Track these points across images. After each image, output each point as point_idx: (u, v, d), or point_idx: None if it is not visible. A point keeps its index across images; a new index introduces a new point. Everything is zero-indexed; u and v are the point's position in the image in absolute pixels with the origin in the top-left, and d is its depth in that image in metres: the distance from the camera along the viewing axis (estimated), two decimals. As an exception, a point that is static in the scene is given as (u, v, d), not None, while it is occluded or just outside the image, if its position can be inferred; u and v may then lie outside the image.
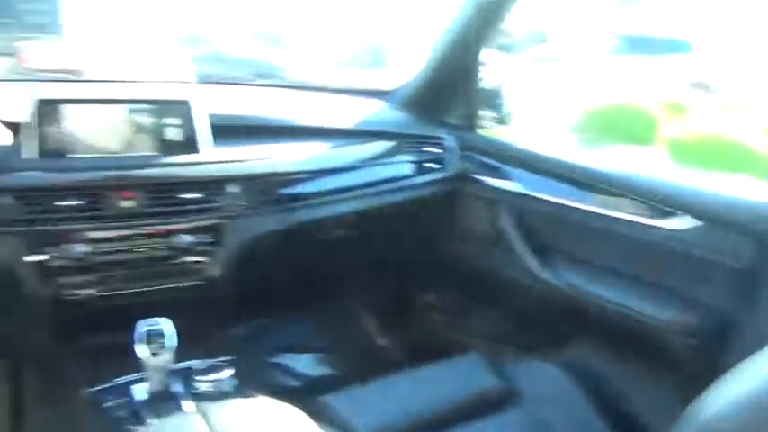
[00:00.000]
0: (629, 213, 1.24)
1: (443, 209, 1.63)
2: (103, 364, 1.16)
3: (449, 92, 1.62)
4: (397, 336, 2.01)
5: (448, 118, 1.65)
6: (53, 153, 1.12)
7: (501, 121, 1.65)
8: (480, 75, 1.57)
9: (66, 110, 1.14)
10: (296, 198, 1.35)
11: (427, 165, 1.55)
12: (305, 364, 1.93)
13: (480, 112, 1.62)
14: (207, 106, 1.27)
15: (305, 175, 1.36)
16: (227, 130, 1.29)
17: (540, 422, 1.11)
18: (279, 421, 0.90)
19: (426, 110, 1.65)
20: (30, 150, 1.11)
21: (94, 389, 1.07)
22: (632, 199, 1.23)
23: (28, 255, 1.10)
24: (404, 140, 1.53)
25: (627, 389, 1.28)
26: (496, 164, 1.54)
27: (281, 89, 1.82)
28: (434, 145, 1.56)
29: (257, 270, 1.44)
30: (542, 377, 1.23)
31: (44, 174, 1.11)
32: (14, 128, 1.13)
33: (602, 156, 1.47)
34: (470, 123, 1.63)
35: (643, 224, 1.21)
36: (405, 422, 1.07)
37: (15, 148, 1.11)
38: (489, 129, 1.66)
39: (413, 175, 1.52)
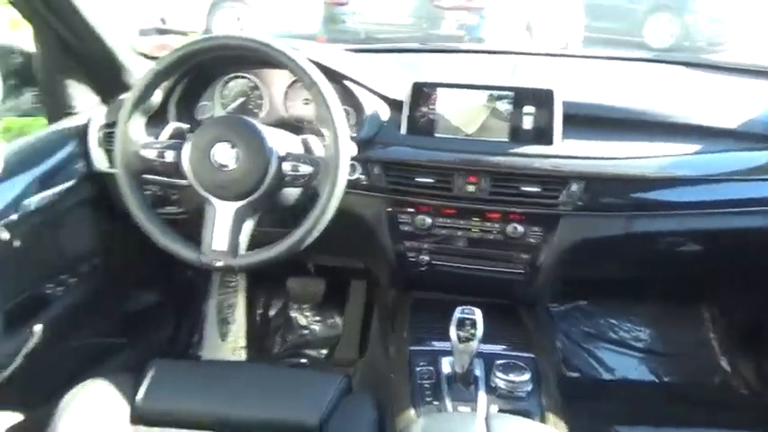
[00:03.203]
0: None
1: None
2: (420, 320, 1.31)
3: None
4: (743, 367, 1.71)
5: None
6: (418, 131, 1.23)
7: None
8: None
9: (435, 91, 1.23)
10: (645, 206, 1.21)
11: None
12: (621, 360, 1.83)
13: None
14: (566, 92, 1.20)
15: (661, 182, 1.19)
16: (580, 120, 1.21)
17: None
18: None
19: None
20: (401, 127, 1.24)
21: (414, 348, 1.21)
22: None
23: (387, 216, 1.27)
24: None
25: None
26: None
27: (656, 64, 1.59)
28: None
29: (583, 267, 1.37)
30: None
31: (408, 150, 1.23)
32: (392, 104, 1.27)
33: None
34: None
35: None
36: None
37: (390, 123, 1.25)
38: None
39: None
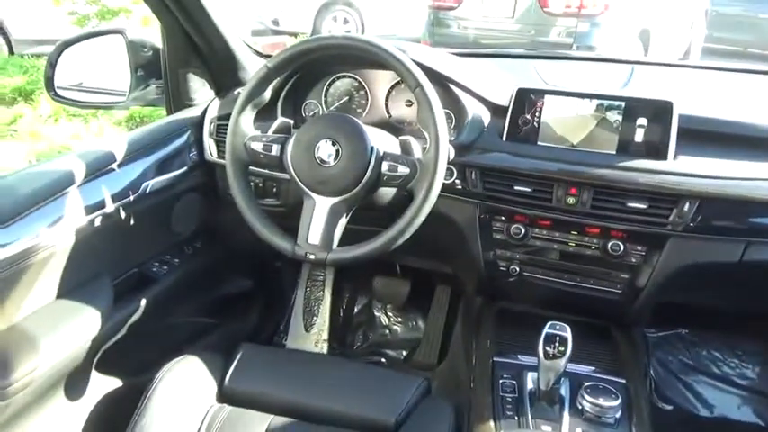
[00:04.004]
0: None
1: None
2: (505, 331, 1.28)
3: None
4: None
5: None
6: (519, 138, 1.21)
7: None
8: None
9: (542, 98, 1.19)
10: (765, 232, 1.11)
11: None
12: (722, 397, 1.69)
13: None
14: (683, 105, 1.13)
15: None
16: (697, 135, 1.13)
17: None
18: None
19: None
20: (502, 134, 1.21)
21: (498, 359, 1.19)
22: None
23: (480, 222, 1.25)
24: None
25: None
26: None
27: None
28: None
29: (687, 293, 1.28)
30: None
31: (508, 157, 1.20)
32: (495, 109, 1.25)
33: None
34: None
35: None
36: None
37: (491, 129, 1.23)
38: None
39: None
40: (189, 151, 1.40)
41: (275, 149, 1.11)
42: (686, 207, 1.11)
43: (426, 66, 1.14)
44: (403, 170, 1.05)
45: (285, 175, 1.13)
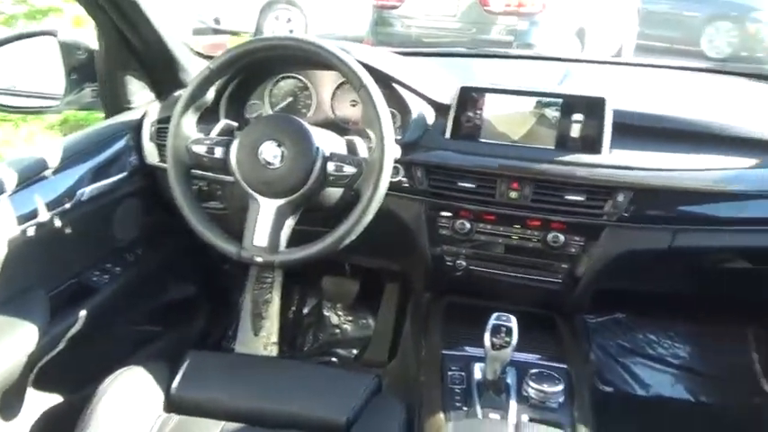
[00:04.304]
0: None
1: None
2: (453, 325, 1.31)
3: None
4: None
5: None
6: (463, 136, 1.23)
7: None
8: None
9: (483, 96, 1.22)
10: (694, 220, 1.18)
11: None
12: (657, 377, 1.79)
13: None
14: (616, 101, 1.18)
15: (712, 196, 1.16)
16: (629, 130, 1.19)
17: None
18: None
19: None
20: (446, 131, 1.24)
21: (446, 352, 1.21)
22: None
23: (426, 219, 1.28)
24: None
25: None
26: None
27: (714, 74, 1.55)
28: None
29: (623, 279, 1.35)
30: None
31: (452, 154, 1.23)
32: (438, 108, 1.27)
33: None
34: None
35: None
36: None
37: (435, 127, 1.26)
38: None
39: None
40: (128, 156, 1.37)
41: (219, 152, 1.10)
42: (620, 198, 1.16)
43: (370, 66, 1.15)
44: (349, 170, 1.06)
45: (229, 178, 1.12)
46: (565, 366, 1.18)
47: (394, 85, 1.25)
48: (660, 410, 1.69)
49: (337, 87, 1.35)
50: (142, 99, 1.42)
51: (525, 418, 1.04)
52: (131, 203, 1.39)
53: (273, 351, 1.82)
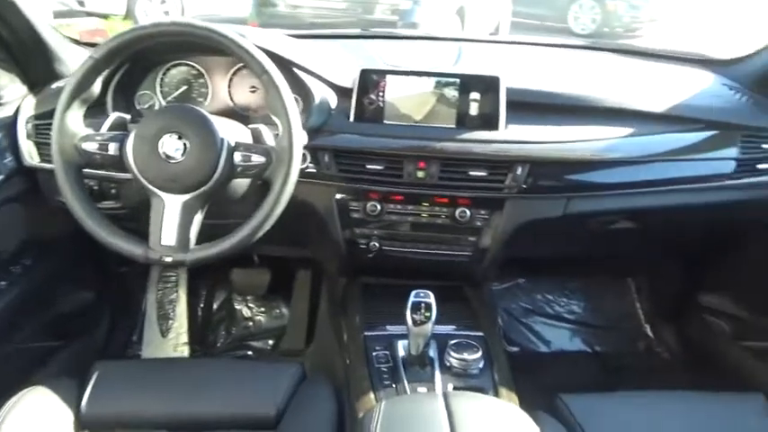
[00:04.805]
0: None
1: (763, 216, 1.36)
2: (371, 306, 1.34)
3: None
4: (666, 333, 1.86)
5: None
6: (367, 118, 1.24)
7: None
8: None
9: (384, 78, 1.24)
10: (582, 187, 1.28)
11: (761, 166, 1.29)
12: (557, 333, 1.94)
13: None
14: (509, 79, 1.24)
15: (598, 164, 1.26)
16: (523, 106, 1.26)
17: None
18: (506, 418, 0.92)
19: None
20: (350, 115, 1.24)
21: (369, 333, 1.23)
22: None
23: (337, 203, 1.28)
24: (736, 132, 1.29)
25: None
26: None
27: (588, 50, 1.67)
28: None
29: (525, 247, 1.43)
30: None
31: (357, 137, 1.23)
32: (340, 92, 1.27)
33: None
34: None
35: None
36: None
37: (339, 111, 1.25)
38: None
39: (735, 175, 1.29)
40: (2, 157, 1.23)
41: (113, 148, 1.02)
42: (519, 171, 1.23)
43: (269, 50, 1.11)
44: (257, 159, 1.03)
45: (126, 175, 1.04)
46: (481, 334, 1.24)
47: (294, 69, 1.22)
48: (562, 363, 1.84)
49: (234, 73, 1.29)
50: (13, 93, 1.28)
51: (450, 387, 1.09)
52: (11, 210, 1.26)
53: (185, 352, 1.75)
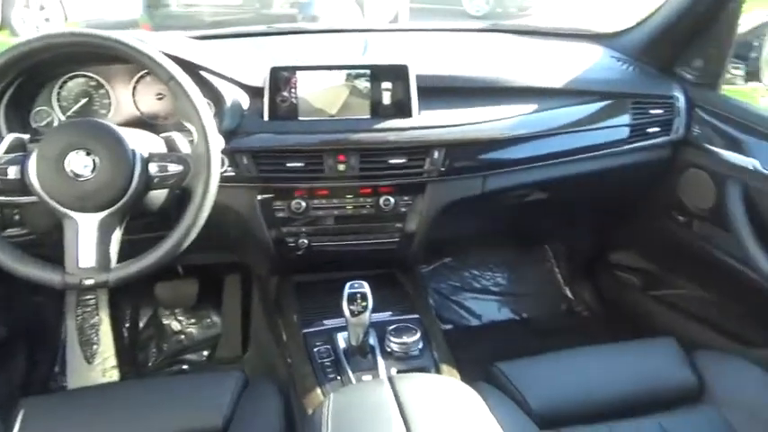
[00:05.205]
0: None
1: (658, 176, 1.49)
2: (306, 303, 1.35)
3: (689, 39, 1.42)
4: (583, 292, 1.99)
5: (683, 71, 1.46)
6: (281, 116, 1.23)
7: (753, 76, 1.41)
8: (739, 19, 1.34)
9: (294, 75, 1.23)
10: (496, 165, 1.34)
11: (651, 130, 1.40)
12: (486, 306, 2.02)
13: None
14: (417, 66, 1.27)
15: (508, 142, 1.33)
16: (433, 92, 1.29)
17: (728, 426, 1.01)
18: (451, 393, 0.96)
19: (657, 60, 1.48)
20: (263, 114, 1.23)
21: (307, 330, 1.23)
22: None
23: (261, 204, 1.27)
24: (627, 100, 1.39)
25: None
26: (733, 132, 1.34)
27: (488, 33, 1.74)
28: (662, 106, 1.40)
29: (449, 227, 1.49)
30: (741, 377, 1.11)
31: (273, 136, 1.22)
32: (252, 92, 1.25)
33: None
34: (712, 80, 1.42)
35: None
36: (581, 402, 1.05)
37: (252, 111, 1.23)
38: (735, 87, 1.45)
39: (630, 140, 1.40)
40: None
41: (13, 171, 0.96)
42: (436, 155, 1.27)
43: (173, 55, 1.08)
44: (174, 168, 1.00)
45: (31, 198, 0.98)
46: (416, 316, 1.28)
47: (202, 72, 1.19)
48: (494, 333, 1.93)
49: (137, 81, 1.24)
50: None
51: (394, 371, 1.12)
52: None
53: (114, 375, 1.67)
